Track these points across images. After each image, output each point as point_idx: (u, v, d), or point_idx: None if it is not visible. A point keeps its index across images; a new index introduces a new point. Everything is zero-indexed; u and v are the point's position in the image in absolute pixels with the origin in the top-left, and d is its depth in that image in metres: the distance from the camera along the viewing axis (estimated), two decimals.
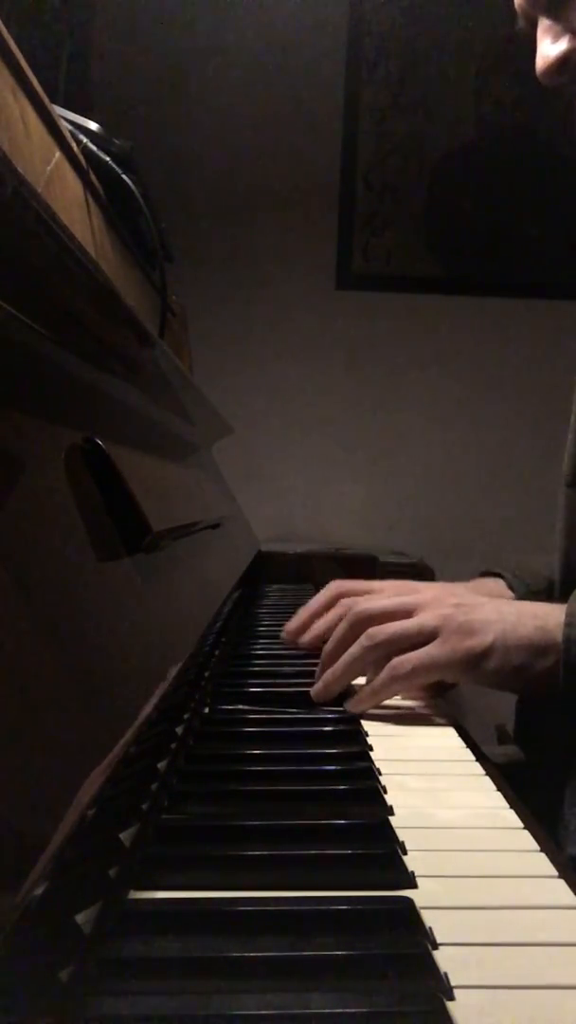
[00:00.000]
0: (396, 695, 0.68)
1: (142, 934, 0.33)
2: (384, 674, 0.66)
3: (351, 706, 0.67)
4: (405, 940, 0.33)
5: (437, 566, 1.82)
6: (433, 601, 0.69)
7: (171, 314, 1.05)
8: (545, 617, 0.66)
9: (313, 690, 0.69)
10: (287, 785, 0.50)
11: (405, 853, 0.41)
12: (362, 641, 0.67)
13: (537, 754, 0.82)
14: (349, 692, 0.69)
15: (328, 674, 0.68)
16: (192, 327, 1.42)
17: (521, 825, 0.46)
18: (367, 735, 0.61)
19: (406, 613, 0.68)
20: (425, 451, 2.23)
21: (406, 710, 0.70)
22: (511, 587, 0.87)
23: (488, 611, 0.67)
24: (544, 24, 0.72)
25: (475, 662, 0.64)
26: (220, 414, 1.28)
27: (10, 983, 0.26)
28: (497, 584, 0.89)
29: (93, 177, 0.76)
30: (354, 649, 0.68)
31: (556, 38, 0.72)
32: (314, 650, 0.75)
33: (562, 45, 0.71)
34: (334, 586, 0.81)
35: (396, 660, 0.65)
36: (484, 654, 0.64)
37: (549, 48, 0.72)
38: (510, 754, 0.86)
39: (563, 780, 0.67)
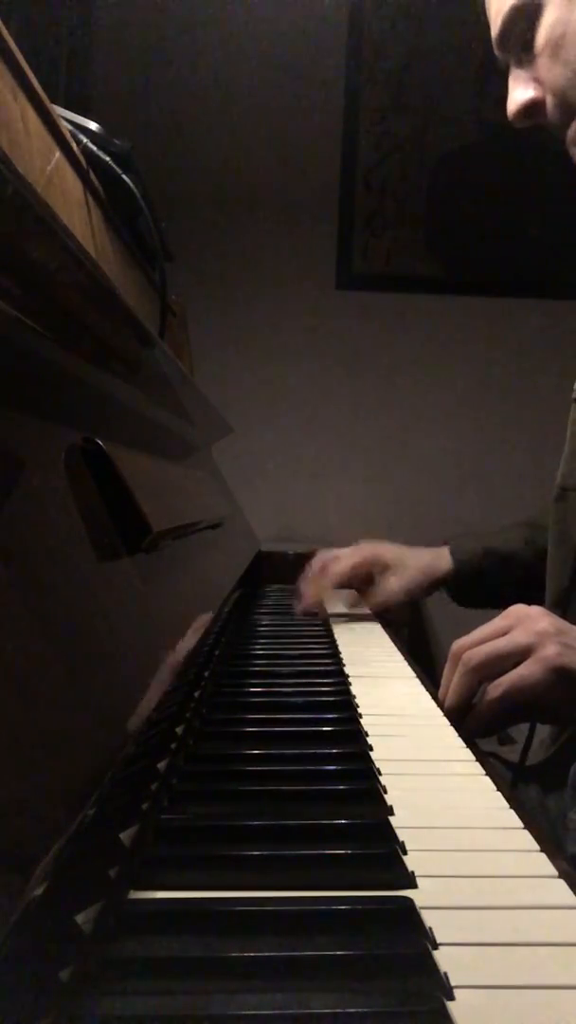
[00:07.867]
0: (501, 714, 0.67)
1: (142, 934, 0.33)
2: (483, 699, 0.66)
3: (468, 733, 0.66)
4: (405, 940, 0.33)
5: None
6: (525, 618, 0.69)
7: (171, 314, 1.05)
8: None
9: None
10: (287, 785, 0.49)
11: (405, 853, 0.41)
12: (459, 668, 0.68)
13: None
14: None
15: (446, 705, 0.69)
16: (192, 327, 1.42)
17: (521, 825, 0.46)
18: (367, 735, 0.61)
19: (502, 634, 0.68)
20: (425, 451, 2.23)
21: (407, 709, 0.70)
22: (452, 552, 1.13)
23: None
24: (514, 72, 0.82)
25: (568, 677, 0.63)
26: (220, 414, 1.28)
27: (10, 983, 0.26)
28: (442, 549, 1.13)
29: (93, 177, 0.76)
30: (457, 677, 0.68)
31: (525, 85, 0.81)
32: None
33: (528, 92, 0.80)
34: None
35: (490, 685, 0.66)
36: None
37: (518, 94, 0.81)
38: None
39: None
